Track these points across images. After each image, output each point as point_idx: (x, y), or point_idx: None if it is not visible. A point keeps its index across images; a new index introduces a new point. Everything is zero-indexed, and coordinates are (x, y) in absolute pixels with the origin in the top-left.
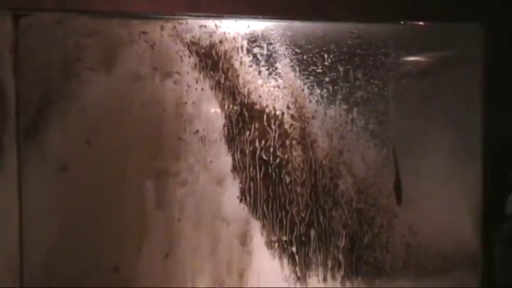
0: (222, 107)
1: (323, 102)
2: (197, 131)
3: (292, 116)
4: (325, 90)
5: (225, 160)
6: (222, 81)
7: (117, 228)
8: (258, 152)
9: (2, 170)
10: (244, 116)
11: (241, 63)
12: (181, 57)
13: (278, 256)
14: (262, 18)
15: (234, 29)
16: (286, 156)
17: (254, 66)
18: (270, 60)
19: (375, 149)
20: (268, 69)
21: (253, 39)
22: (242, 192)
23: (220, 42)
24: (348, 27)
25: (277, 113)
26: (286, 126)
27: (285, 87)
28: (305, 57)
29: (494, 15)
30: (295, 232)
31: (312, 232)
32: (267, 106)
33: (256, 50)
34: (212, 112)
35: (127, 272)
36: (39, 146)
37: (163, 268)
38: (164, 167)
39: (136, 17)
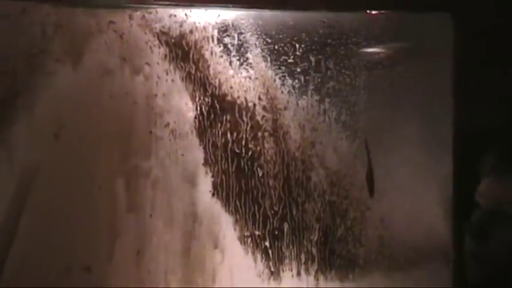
0: (193, 98)
1: (295, 93)
2: (168, 124)
3: (264, 108)
4: (296, 80)
5: (196, 153)
6: (193, 72)
7: (89, 226)
8: (230, 145)
9: None
10: (216, 108)
11: (212, 53)
12: (151, 47)
13: (251, 251)
14: (233, 7)
15: (204, 18)
16: (258, 149)
17: (225, 56)
18: (241, 50)
19: (347, 140)
20: (239, 60)
21: (223, 29)
22: (214, 187)
23: (191, 31)
24: (318, 16)
25: (249, 104)
26: (258, 118)
27: (257, 78)
28: (276, 47)
29: (466, 5)
30: (268, 226)
31: (285, 226)
32: (238, 97)
33: (226, 39)
34: (183, 104)
35: (99, 271)
36: (5, 141)
37: (136, 266)
38: (135, 161)
39: (103, 6)
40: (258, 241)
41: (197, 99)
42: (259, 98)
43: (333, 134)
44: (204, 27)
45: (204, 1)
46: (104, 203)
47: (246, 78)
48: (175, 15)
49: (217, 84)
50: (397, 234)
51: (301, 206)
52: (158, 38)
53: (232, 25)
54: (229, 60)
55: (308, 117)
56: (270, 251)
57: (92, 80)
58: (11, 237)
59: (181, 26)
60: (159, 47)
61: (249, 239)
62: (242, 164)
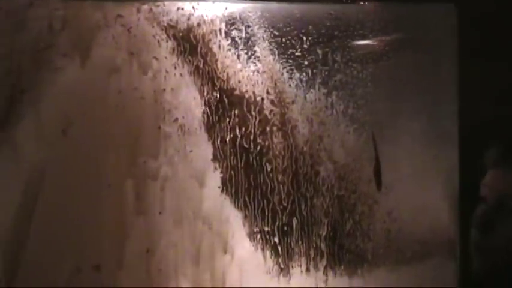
0: (201, 93)
1: (302, 87)
2: (176, 119)
3: (272, 102)
4: (304, 74)
5: (205, 149)
6: (201, 66)
7: (98, 225)
8: (238, 140)
9: None
10: (224, 103)
11: (219, 47)
12: (158, 41)
13: (260, 248)
14: None
15: (211, 11)
16: (266, 144)
17: (233, 50)
18: (249, 44)
19: (355, 134)
20: (247, 53)
21: (231, 22)
22: (223, 182)
23: (198, 25)
24: (325, 9)
25: (257, 98)
26: (266, 112)
27: (264, 72)
28: (283, 40)
29: None
30: (277, 222)
31: (294, 221)
32: (246, 91)
33: (234, 33)
34: (191, 99)
35: (109, 270)
36: (12, 138)
37: (145, 264)
38: (144, 158)
39: None
40: (267, 237)
41: (205, 94)
42: (267, 92)
43: (340, 127)
44: (212, 20)
45: None
46: (112, 201)
47: (254, 72)
48: (182, 8)
49: (225, 78)
50: (404, 228)
51: (309, 201)
52: (166, 31)
53: (240, 18)
54: (237, 53)
55: (316, 110)
56: (279, 247)
57: (99, 75)
58: (23, 237)
59: (188, 19)
60: (167, 41)
61: (258, 235)
62: (251, 159)
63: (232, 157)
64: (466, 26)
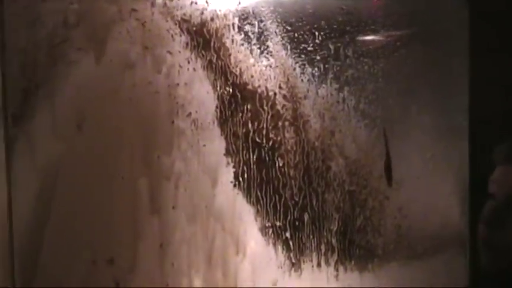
0: (214, 88)
1: (314, 82)
2: (190, 114)
3: (284, 96)
4: (316, 68)
5: (218, 144)
6: (214, 60)
7: (112, 218)
8: (251, 135)
9: None
10: (237, 97)
11: (232, 41)
12: (172, 35)
13: (272, 243)
14: None
15: (225, 6)
16: (279, 138)
17: (246, 44)
18: (262, 39)
19: (366, 129)
20: (259, 48)
21: (244, 17)
22: (236, 177)
23: (212, 19)
24: (337, 3)
25: (270, 93)
26: (279, 107)
27: (277, 66)
28: (296, 34)
29: None
30: (289, 217)
31: (306, 216)
32: (259, 86)
33: (247, 27)
34: (204, 93)
35: (123, 263)
36: (28, 132)
37: (159, 258)
38: (158, 152)
39: None
40: (279, 232)
41: (218, 89)
42: (280, 87)
43: (351, 122)
44: (225, 15)
45: None
46: (126, 196)
47: (266, 67)
48: (196, 3)
49: (238, 73)
50: (415, 223)
51: (321, 196)
52: (179, 26)
53: (253, 12)
54: (249, 48)
55: (327, 106)
56: (290, 242)
57: (114, 70)
58: (40, 231)
59: (202, 13)
60: (181, 35)
61: (270, 230)
62: (263, 154)
63: (244, 152)
64: (477, 19)
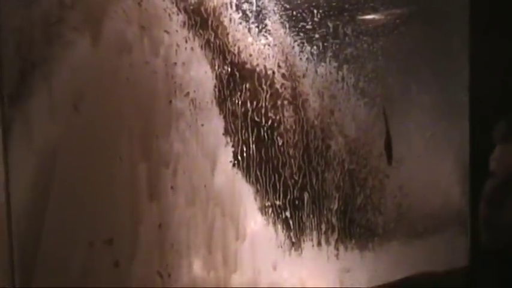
0: (212, 67)
1: (313, 60)
2: (188, 94)
3: (283, 75)
4: (315, 47)
5: (216, 123)
6: (212, 39)
7: (110, 199)
8: (249, 114)
9: None
10: (235, 76)
11: (230, 20)
12: (169, 14)
13: (272, 222)
14: None
15: None
16: (278, 117)
17: (244, 23)
18: (260, 17)
19: (365, 107)
20: (258, 27)
21: None
22: (235, 157)
23: None
24: None
25: (268, 72)
26: (278, 86)
27: (275, 45)
28: (294, 13)
29: None
30: (288, 196)
31: (306, 195)
32: (257, 65)
33: (245, 6)
34: (202, 73)
35: (121, 243)
36: (25, 113)
37: (158, 238)
38: (156, 132)
39: None
40: (279, 211)
41: (216, 68)
42: (279, 66)
43: (351, 101)
44: None
45: None
46: (125, 176)
47: (265, 46)
48: None
49: (236, 51)
50: (415, 202)
51: (321, 175)
52: (176, 4)
53: None
54: (248, 27)
55: (326, 84)
56: (290, 221)
57: (110, 50)
58: (39, 212)
59: None
60: (178, 14)
61: (270, 210)
62: (262, 133)
63: (243, 131)
64: None
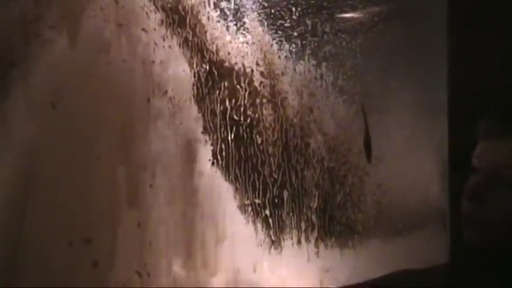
0: (190, 65)
1: (292, 58)
2: (166, 92)
3: (261, 73)
4: (293, 45)
5: (195, 122)
6: (190, 38)
7: (89, 198)
8: (228, 112)
9: None
10: (214, 75)
11: (208, 18)
12: (147, 12)
13: (252, 221)
14: None
15: None
16: (257, 116)
17: (222, 21)
18: (238, 15)
19: (344, 105)
20: (236, 25)
21: None
22: (214, 155)
23: None
24: None
25: (247, 70)
26: (256, 84)
27: (254, 43)
28: (273, 10)
29: None
30: (268, 194)
31: (285, 193)
32: (236, 63)
33: (223, 4)
34: (181, 71)
35: (100, 243)
36: (2, 112)
37: (137, 238)
38: (134, 131)
39: None
40: (258, 209)
41: (195, 66)
42: (257, 64)
43: (330, 99)
44: None
45: None
46: (104, 175)
47: (243, 44)
48: None
49: (214, 50)
50: (395, 199)
51: (300, 173)
52: (154, 2)
53: None
54: (226, 25)
55: (305, 82)
56: (270, 220)
57: (88, 48)
58: (19, 211)
59: None
60: (155, 12)
61: (249, 208)
62: (241, 131)
63: (222, 129)
64: None
